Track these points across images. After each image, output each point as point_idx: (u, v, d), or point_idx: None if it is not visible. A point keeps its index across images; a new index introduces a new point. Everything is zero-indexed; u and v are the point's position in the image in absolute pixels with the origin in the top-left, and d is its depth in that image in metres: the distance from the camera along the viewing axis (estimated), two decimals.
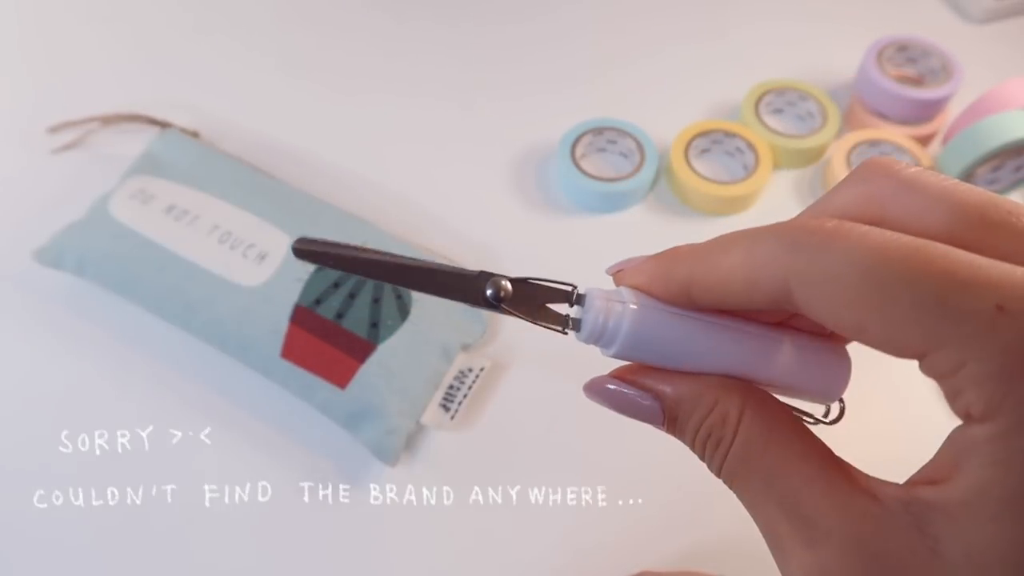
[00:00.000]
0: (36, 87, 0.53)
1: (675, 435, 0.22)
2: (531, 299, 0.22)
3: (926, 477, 0.18)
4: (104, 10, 0.58)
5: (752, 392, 0.21)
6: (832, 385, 0.22)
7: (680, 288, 0.20)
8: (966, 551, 0.16)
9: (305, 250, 0.21)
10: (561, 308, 0.22)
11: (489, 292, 0.21)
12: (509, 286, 0.21)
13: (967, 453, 0.17)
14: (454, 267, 0.21)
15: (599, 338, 0.21)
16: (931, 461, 0.18)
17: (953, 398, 0.17)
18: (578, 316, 0.21)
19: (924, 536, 0.17)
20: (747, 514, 0.20)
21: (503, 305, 0.21)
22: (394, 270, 0.21)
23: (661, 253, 0.21)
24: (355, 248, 0.21)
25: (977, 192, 0.18)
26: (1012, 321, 0.16)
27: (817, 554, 0.18)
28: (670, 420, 0.21)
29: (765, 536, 0.20)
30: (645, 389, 0.21)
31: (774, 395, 0.21)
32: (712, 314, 0.21)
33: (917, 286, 0.16)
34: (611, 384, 0.22)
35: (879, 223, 0.18)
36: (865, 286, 0.17)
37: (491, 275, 0.21)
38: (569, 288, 0.22)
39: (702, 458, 0.21)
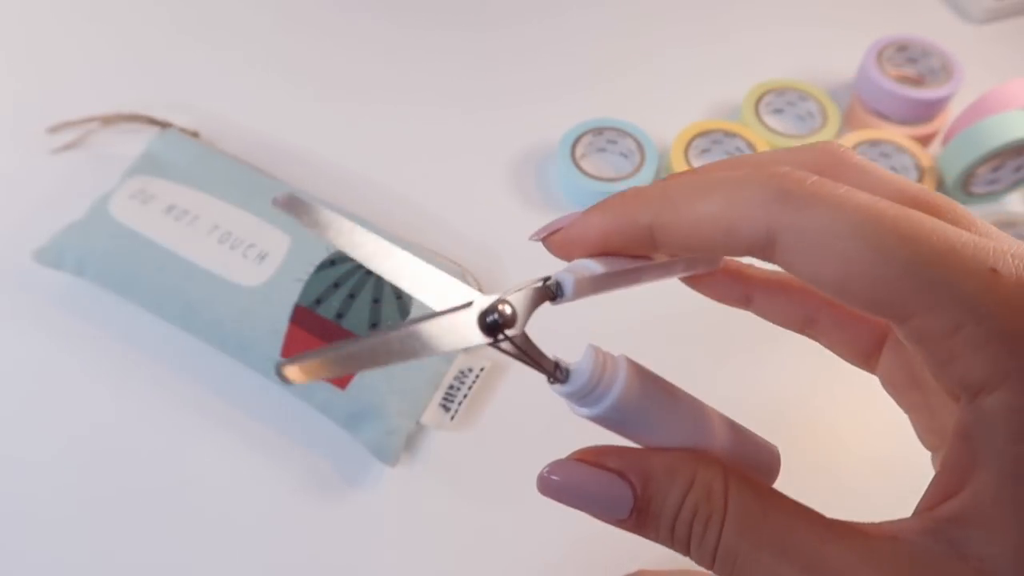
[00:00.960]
0: (36, 87, 0.53)
1: (645, 527, 0.19)
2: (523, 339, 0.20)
3: (942, 491, 0.17)
4: (104, 10, 0.58)
5: (729, 465, 0.19)
6: (774, 472, 0.22)
7: (643, 232, 0.19)
8: (1015, 550, 0.15)
9: (288, 370, 0.18)
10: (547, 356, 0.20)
11: (490, 318, 0.19)
12: (510, 311, 0.19)
13: (982, 437, 0.16)
14: (447, 311, 0.19)
15: (588, 394, 0.19)
16: (940, 473, 0.17)
17: (943, 365, 0.16)
18: (566, 365, 0.20)
19: (966, 560, 0.16)
20: None
21: (504, 333, 0.19)
22: (396, 347, 0.18)
23: (609, 199, 0.20)
24: (344, 345, 0.18)
25: (916, 185, 0.19)
26: (1008, 282, 0.15)
27: None
28: (641, 508, 0.19)
29: None
30: (612, 472, 0.19)
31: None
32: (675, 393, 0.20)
33: (911, 246, 0.16)
34: (575, 468, 0.20)
35: None
36: (855, 241, 0.16)
37: (496, 303, 0.19)
38: (542, 281, 0.20)
39: (683, 546, 0.19)
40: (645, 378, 0.20)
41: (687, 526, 0.18)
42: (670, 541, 0.19)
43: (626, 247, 0.20)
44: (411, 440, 0.40)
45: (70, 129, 0.49)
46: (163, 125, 0.48)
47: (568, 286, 0.20)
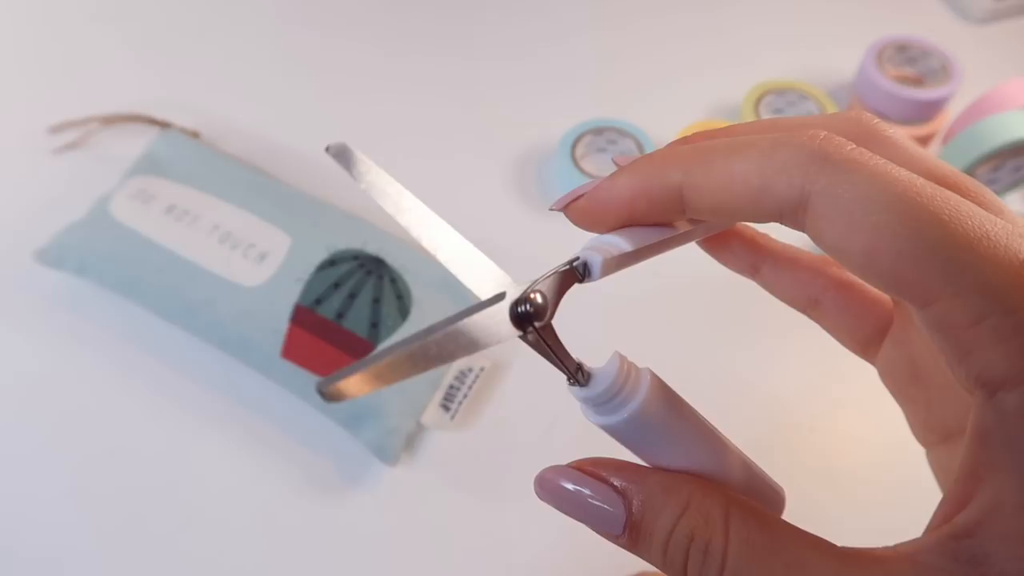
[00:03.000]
0: (37, 87, 0.53)
1: (638, 544, 0.19)
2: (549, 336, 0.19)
3: (953, 507, 0.16)
4: (105, 10, 0.58)
5: (732, 494, 0.18)
6: (780, 508, 0.21)
7: (672, 193, 0.19)
8: None
9: (330, 392, 0.17)
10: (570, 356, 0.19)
11: (521, 308, 0.18)
12: (541, 300, 0.18)
13: (1002, 438, 0.15)
14: (478, 307, 0.18)
15: (607, 400, 0.18)
16: (950, 488, 0.16)
17: (961, 356, 0.15)
18: (589, 369, 0.19)
19: (985, 570, 0.15)
20: None
21: (533, 325, 0.18)
22: (433, 352, 0.17)
23: (639, 161, 0.19)
24: (375, 357, 0.17)
25: (947, 165, 0.18)
26: None
27: None
28: (633, 525, 0.18)
29: None
30: (609, 486, 0.19)
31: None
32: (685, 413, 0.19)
33: (944, 227, 0.15)
34: (567, 480, 0.19)
35: None
36: (889, 215, 0.15)
37: (517, 287, 0.18)
38: (569, 263, 0.19)
39: (680, 572, 0.18)
40: (667, 396, 0.19)
41: (682, 551, 0.18)
42: (662, 563, 0.18)
43: (653, 212, 0.19)
44: (411, 440, 0.40)
45: (71, 129, 0.49)
46: (163, 125, 0.48)
47: (596, 266, 0.19)
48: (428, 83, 0.55)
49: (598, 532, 0.19)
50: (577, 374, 0.19)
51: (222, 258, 0.41)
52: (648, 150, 0.49)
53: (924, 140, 0.52)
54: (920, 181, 0.16)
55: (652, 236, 0.20)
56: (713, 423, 0.20)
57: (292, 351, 0.39)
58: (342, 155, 0.19)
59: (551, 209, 0.20)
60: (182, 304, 0.41)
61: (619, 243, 0.19)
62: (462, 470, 0.40)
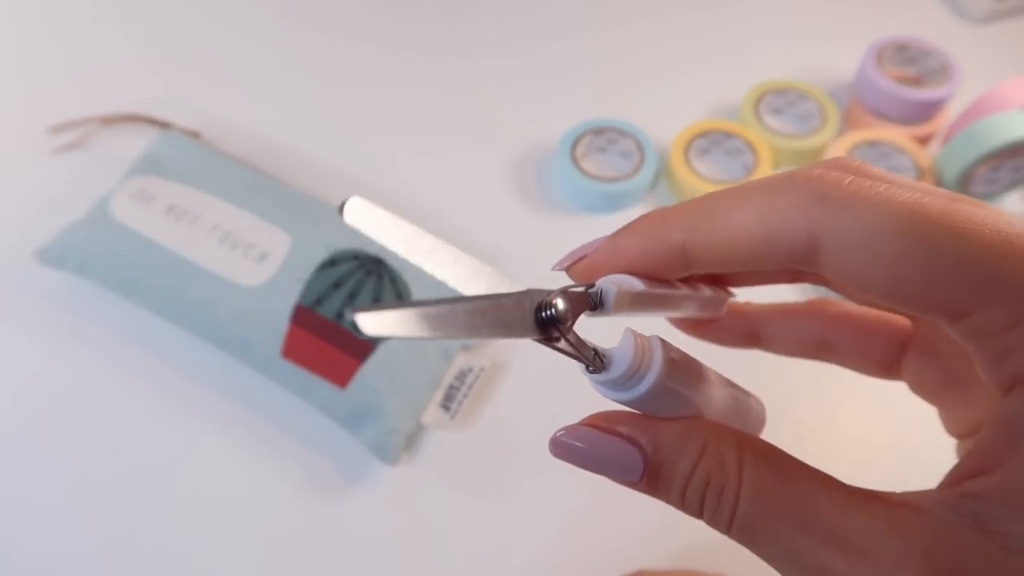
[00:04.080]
0: (37, 87, 0.54)
1: (657, 491, 0.19)
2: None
3: (971, 470, 0.17)
4: (104, 10, 0.58)
5: (742, 432, 0.19)
6: (760, 424, 0.22)
7: (675, 252, 0.18)
8: None
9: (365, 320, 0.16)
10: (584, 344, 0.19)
11: (545, 313, 0.18)
12: (563, 306, 0.18)
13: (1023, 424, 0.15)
14: (504, 295, 0.18)
15: (627, 380, 0.18)
16: (968, 455, 0.17)
17: (998, 361, 0.16)
18: (603, 351, 0.19)
19: (991, 535, 0.16)
20: None
21: (558, 327, 0.18)
22: (460, 320, 0.17)
23: (637, 221, 0.19)
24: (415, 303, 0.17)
25: (943, 190, 0.18)
26: None
27: None
28: (652, 473, 0.19)
29: None
30: (623, 438, 0.19)
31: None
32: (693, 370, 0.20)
33: (963, 241, 0.15)
34: (582, 437, 0.19)
35: None
36: (905, 240, 0.15)
37: (536, 291, 0.18)
38: (586, 288, 0.19)
39: (697, 513, 0.19)
40: (677, 360, 0.19)
41: (699, 494, 0.18)
42: (681, 506, 0.19)
43: (656, 271, 0.19)
44: (411, 440, 0.40)
45: (71, 129, 0.49)
46: (163, 125, 0.48)
47: (610, 297, 0.19)
48: (428, 83, 0.55)
49: (617, 481, 0.19)
50: (595, 361, 0.19)
51: (222, 258, 0.41)
52: (648, 150, 0.49)
53: (924, 140, 0.52)
54: (928, 199, 0.16)
55: (664, 288, 0.20)
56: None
57: (292, 351, 0.39)
58: (354, 213, 0.18)
59: (553, 269, 0.20)
60: (182, 304, 0.41)
61: (634, 283, 0.19)
62: (462, 470, 0.40)
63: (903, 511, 0.17)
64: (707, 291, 0.22)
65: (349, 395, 0.39)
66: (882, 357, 0.24)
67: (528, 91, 0.55)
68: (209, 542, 0.38)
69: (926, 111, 0.52)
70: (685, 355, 0.20)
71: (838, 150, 0.50)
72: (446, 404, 0.40)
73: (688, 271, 0.19)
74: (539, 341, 0.18)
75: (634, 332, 0.19)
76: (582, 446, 0.19)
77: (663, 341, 0.19)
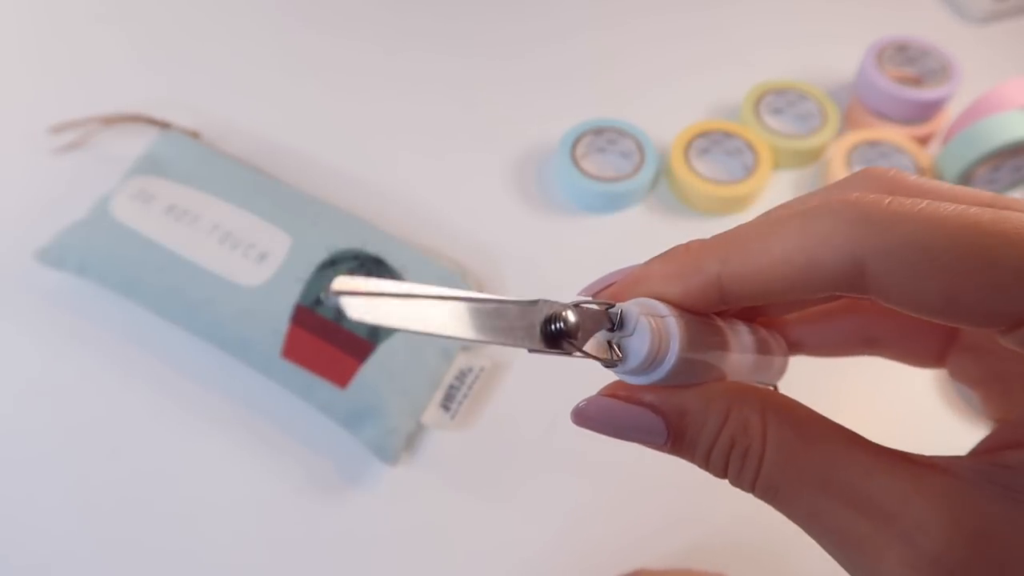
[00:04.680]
0: (37, 87, 0.54)
1: (681, 454, 0.19)
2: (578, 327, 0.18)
3: (1005, 442, 0.17)
4: (105, 10, 0.58)
5: (767, 392, 0.19)
6: (781, 372, 0.22)
7: (709, 285, 0.18)
8: None
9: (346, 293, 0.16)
10: (598, 339, 0.19)
11: (553, 327, 0.18)
12: (572, 317, 0.18)
13: None
14: (511, 300, 0.18)
15: (647, 368, 0.18)
16: (1001, 427, 0.17)
17: None
18: (618, 342, 0.18)
19: (1019, 506, 0.16)
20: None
21: (566, 342, 0.18)
22: (457, 318, 0.17)
23: (669, 253, 0.19)
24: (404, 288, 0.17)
25: (984, 192, 0.18)
26: None
27: (920, 547, 0.16)
28: (676, 438, 0.19)
29: (834, 546, 0.17)
30: (644, 406, 0.19)
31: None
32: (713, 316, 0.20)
33: (1019, 248, 0.15)
34: (607, 405, 0.19)
35: None
36: (958, 253, 0.15)
37: (547, 302, 0.18)
38: (607, 306, 0.19)
39: (721, 474, 0.19)
40: (693, 334, 0.19)
41: (724, 457, 0.18)
42: (706, 467, 0.19)
43: (690, 302, 0.19)
44: (411, 440, 0.40)
45: (71, 129, 0.49)
46: (163, 125, 0.48)
47: (631, 318, 0.18)
48: (428, 82, 0.55)
49: (642, 444, 0.19)
50: (612, 356, 0.18)
51: (222, 258, 0.41)
52: (648, 150, 0.49)
53: (924, 140, 0.52)
54: (974, 210, 0.15)
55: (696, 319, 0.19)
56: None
57: (292, 351, 0.39)
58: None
59: (579, 295, 0.20)
60: (182, 304, 0.41)
61: (658, 306, 0.18)
62: (462, 470, 0.40)
63: (931, 473, 0.16)
64: (763, 335, 0.21)
65: (349, 395, 0.39)
66: (930, 350, 0.23)
67: (528, 91, 0.55)
68: (209, 542, 0.38)
69: (926, 111, 0.52)
70: (704, 324, 0.19)
71: (838, 150, 0.50)
72: (446, 404, 0.40)
73: (723, 305, 0.19)
74: (541, 352, 0.18)
75: (649, 319, 0.18)
76: (605, 416, 0.19)
77: (680, 319, 0.18)
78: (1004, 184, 0.50)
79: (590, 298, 0.19)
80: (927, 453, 0.18)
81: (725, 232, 0.18)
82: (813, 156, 0.52)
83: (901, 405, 0.42)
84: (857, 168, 0.50)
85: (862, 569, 0.17)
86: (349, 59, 0.56)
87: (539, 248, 0.48)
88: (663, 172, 0.51)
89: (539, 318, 0.18)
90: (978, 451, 0.17)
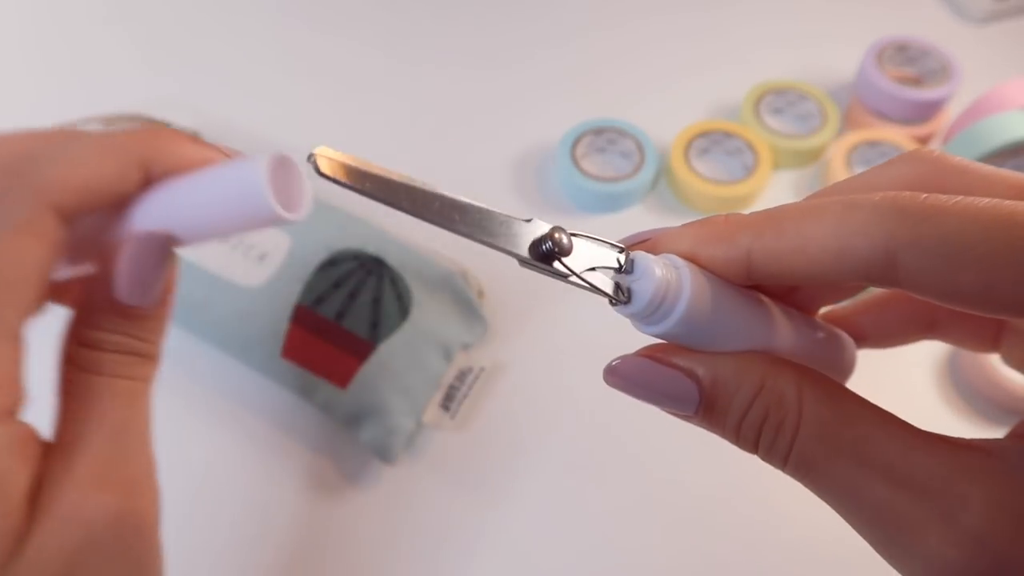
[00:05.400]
0: (38, 87, 0.54)
1: (711, 424, 0.19)
2: (575, 259, 0.19)
3: None
4: (105, 11, 0.58)
5: (803, 367, 0.19)
6: (847, 369, 0.21)
7: (740, 257, 0.18)
8: None
9: (328, 163, 0.17)
10: (605, 278, 0.19)
11: (545, 245, 0.18)
12: (567, 240, 0.18)
13: None
14: (502, 212, 0.19)
15: (652, 313, 0.18)
16: None
17: None
18: (627, 284, 0.19)
19: None
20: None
21: (559, 261, 0.18)
22: (439, 205, 0.18)
23: (707, 220, 0.19)
24: (393, 174, 0.18)
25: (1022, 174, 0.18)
26: None
27: (963, 525, 0.16)
28: (707, 406, 0.19)
29: (871, 523, 0.17)
30: (679, 370, 0.19)
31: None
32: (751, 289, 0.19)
33: None
34: (639, 366, 0.19)
35: None
36: (991, 245, 0.15)
37: (546, 225, 0.19)
38: (618, 249, 0.19)
39: (751, 448, 0.19)
40: (712, 286, 0.19)
41: (755, 429, 0.18)
42: (736, 440, 0.19)
43: (715, 268, 0.19)
44: (411, 440, 0.40)
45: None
46: (163, 125, 0.48)
47: (641, 265, 0.19)
48: (428, 83, 0.55)
49: (669, 412, 0.19)
50: (617, 294, 0.19)
51: (222, 258, 0.41)
52: (648, 150, 0.49)
53: (924, 140, 0.52)
54: (1008, 203, 0.16)
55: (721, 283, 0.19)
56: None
57: (292, 351, 0.39)
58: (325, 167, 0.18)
59: (620, 241, 0.20)
60: (182, 304, 0.41)
61: (680, 264, 0.19)
62: (462, 470, 0.40)
63: (971, 453, 0.16)
64: (805, 317, 0.21)
65: (349, 395, 0.39)
66: (986, 334, 0.23)
67: (528, 91, 0.55)
68: (209, 542, 0.38)
69: (926, 111, 0.52)
70: (736, 290, 0.19)
71: (838, 150, 0.50)
72: (446, 404, 0.40)
73: (749, 280, 0.19)
74: (533, 266, 0.18)
75: (658, 267, 0.18)
76: (638, 375, 0.19)
77: (697, 275, 0.18)
78: None
79: (604, 238, 0.19)
80: None
81: (764, 210, 0.19)
82: (813, 156, 0.52)
83: (901, 404, 0.42)
84: (857, 169, 0.50)
85: (899, 547, 0.17)
86: (349, 60, 0.56)
87: None
88: (663, 172, 0.51)
89: (520, 229, 0.18)
90: (1018, 433, 0.17)
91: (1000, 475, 0.16)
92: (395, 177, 0.18)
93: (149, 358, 0.22)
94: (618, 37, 0.59)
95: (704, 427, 0.19)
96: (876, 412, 0.18)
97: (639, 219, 0.49)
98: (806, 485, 0.18)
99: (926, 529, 0.16)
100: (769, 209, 0.19)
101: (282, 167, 0.20)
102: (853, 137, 0.51)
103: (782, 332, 0.19)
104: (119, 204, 0.21)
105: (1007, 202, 0.16)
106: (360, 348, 0.39)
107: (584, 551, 0.38)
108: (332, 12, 0.59)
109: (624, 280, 0.19)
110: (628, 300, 0.19)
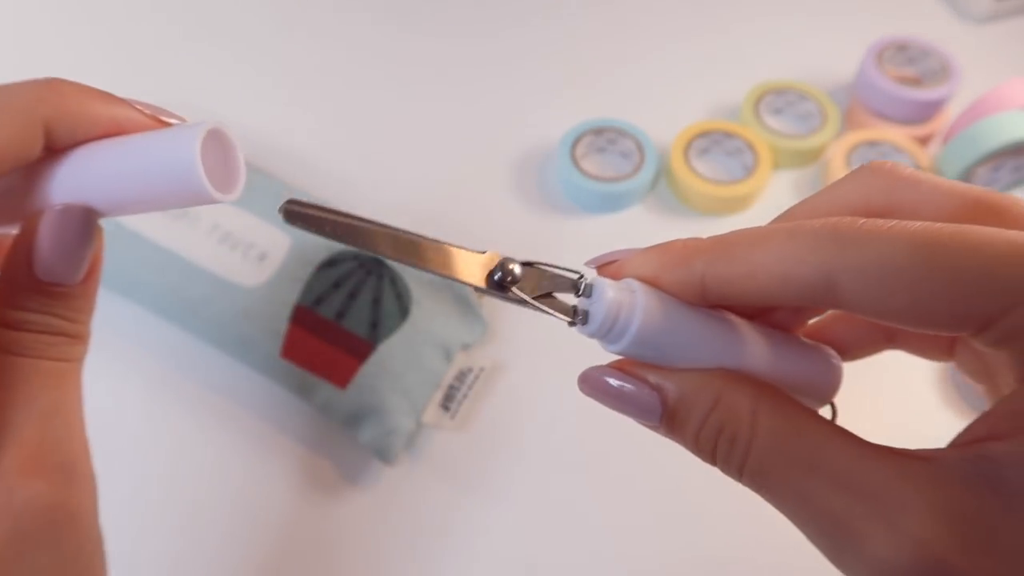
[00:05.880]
0: None
1: (673, 435, 0.21)
2: (536, 286, 0.21)
3: (984, 434, 0.17)
4: (104, 11, 0.58)
5: (761, 383, 0.20)
6: (827, 386, 0.22)
7: (694, 281, 0.20)
8: None
9: (296, 213, 0.19)
10: (568, 298, 0.21)
11: (497, 275, 0.20)
12: (518, 269, 0.20)
13: None
14: (458, 245, 0.20)
15: (607, 332, 0.20)
16: (983, 418, 0.18)
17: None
18: (585, 307, 0.20)
19: (1000, 495, 0.16)
20: (746, 513, 0.20)
21: (511, 290, 0.20)
22: (395, 244, 0.20)
23: (666, 244, 0.21)
24: (353, 217, 0.20)
25: (975, 187, 0.19)
26: None
27: (904, 529, 0.17)
28: (669, 417, 0.20)
29: (820, 529, 0.18)
30: (644, 383, 0.20)
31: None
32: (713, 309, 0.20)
33: (979, 255, 0.16)
34: (608, 377, 0.21)
35: (887, 213, 0.19)
36: (920, 267, 0.16)
37: (499, 256, 0.20)
38: (576, 276, 0.21)
39: (709, 459, 0.20)
40: (667, 306, 0.20)
41: (711, 441, 0.19)
42: (695, 451, 0.20)
43: (672, 291, 0.20)
44: (411, 440, 0.40)
45: None
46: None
47: (598, 289, 0.20)
48: (428, 83, 0.55)
49: (637, 421, 0.21)
50: (575, 316, 0.20)
51: (222, 258, 0.41)
52: (648, 150, 0.49)
53: (924, 140, 0.52)
54: (937, 226, 0.17)
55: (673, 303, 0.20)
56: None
57: (292, 351, 0.39)
58: (298, 214, 0.19)
59: (586, 264, 0.22)
60: (182, 304, 0.41)
61: (637, 288, 0.20)
62: (462, 470, 0.40)
63: (915, 462, 0.17)
64: (783, 335, 0.22)
65: (349, 395, 0.39)
66: (942, 343, 0.24)
67: (528, 91, 0.55)
68: (208, 542, 0.38)
69: (926, 111, 0.51)
70: (681, 304, 0.20)
71: (838, 150, 0.50)
72: (446, 404, 0.40)
73: (706, 303, 0.20)
74: (489, 293, 0.20)
75: (608, 284, 0.20)
76: (609, 385, 0.20)
77: (649, 290, 0.20)
78: (1004, 184, 0.50)
79: (562, 267, 0.21)
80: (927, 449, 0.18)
81: (719, 236, 0.20)
82: (813, 156, 0.52)
83: (901, 404, 0.42)
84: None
85: (847, 552, 0.18)
86: (349, 60, 0.56)
87: (539, 248, 0.47)
88: (663, 172, 0.51)
89: (480, 261, 0.20)
90: (960, 442, 0.18)
91: (941, 482, 0.17)
92: (355, 221, 0.19)
93: (77, 338, 0.21)
94: (618, 37, 0.59)
95: (668, 437, 0.21)
96: (827, 426, 0.19)
97: (639, 219, 0.49)
98: (761, 495, 0.19)
99: (871, 534, 0.17)
100: (723, 235, 0.20)
101: (216, 140, 0.20)
102: (853, 137, 0.51)
103: (753, 350, 0.20)
104: (26, 170, 0.20)
105: (936, 225, 0.17)
106: (360, 348, 0.39)
107: (584, 550, 0.38)
108: (331, 13, 0.59)
109: (582, 303, 0.20)
110: (585, 321, 0.20)
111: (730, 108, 0.55)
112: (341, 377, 0.39)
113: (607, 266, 0.22)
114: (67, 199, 0.20)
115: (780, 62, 0.57)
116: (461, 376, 0.41)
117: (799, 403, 0.19)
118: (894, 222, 0.17)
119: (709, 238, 0.20)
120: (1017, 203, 0.19)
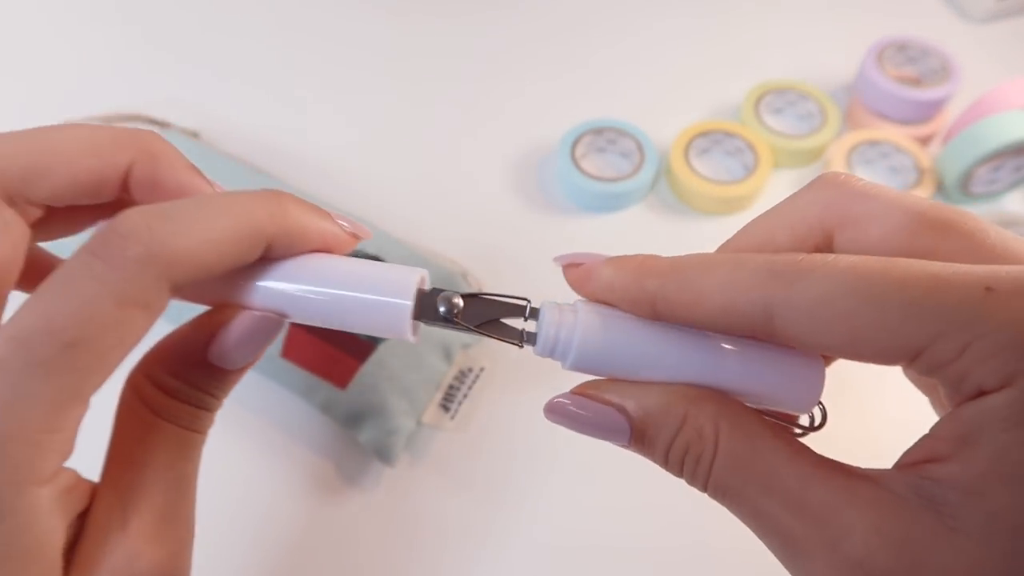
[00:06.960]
0: (37, 87, 0.54)
1: (643, 453, 0.21)
2: (486, 314, 0.22)
3: (926, 456, 0.18)
4: (104, 10, 0.58)
5: (724, 401, 0.20)
6: (806, 393, 0.21)
7: (647, 301, 0.20)
8: (988, 522, 0.16)
9: None
10: (518, 322, 0.22)
11: (442, 309, 0.21)
12: (460, 302, 0.21)
13: (980, 424, 0.17)
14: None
15: (553, 351, 0.21)
16: (925, 440, 0.18)
17: (959, 384, 0.17)
18: (534, 330, 0.21)
19: (941, 516, 0.17)
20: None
21: (457, 320, 0.21)
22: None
23: (624, 259, 0.21)
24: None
25: (926, 200, 0.20)
26: (1005, 296, 0.16)
27: (844, 551, 0.17)
28: (637, 437, 0.21)
29: (774, 545, 0.19)
30: (608, 404, 0.21)
31: (744, 403, 0.21)
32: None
33: (905, 291, 0.17)
34: (571, 403, 0.21)
35: (839, 226, 0.20)
36: (851, 300, 0.17)
37: (441, 291, 0.21)
38: (523, 303, 0.22)
39: (678, 473, 0.21)
40: (612, 322, 0.21)
41: (679, 459, 0.20)
42: (664, 467, 0.21)
43: (624, 308, 0.21)
44: (411, 440, 0.40)
45: None
46: (163, 125, 0.48)
47: (544, 315, 0.21)
48: (428, 83, 0.55)
49: (607, 441, 0.21)
50: (523, 339, 0.22)
51: None
52: (648, 150, 0.49)
53: (924, 140, 0.52)
54: (869, 260, 0.18)
55: (624, 319, 0.21)
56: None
57: (292, 351, 0.39)
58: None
59: (554, 260, 0.22)
60: (181, 304, 0.41)
61: (580, 306, 0.21)
62: (462, 470, 0.40)
63: (862, 484, 0.18)
64: (755, 345, 0.21)
65: (349, 395, 0.39)
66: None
67: (528, 91, 0.55)
68: (208, 542, 0.38)
69: (926, 111, 0.52)
70: (635, 319, 0.21)
71: (838, 150, 0.50)
72: (446, 404, 0.40)
73: (657, 319, 0.21)
74: (433, 324, 0.21)
75: (550, 306, 0.21)
76: (573, 411, 0.21)
77: (593, 308, 0.21)
78: (1004, 184, 0.50)
79: (507, 295, 0.22)
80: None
81: (676, 257, 0.20)
82: (813, 156, 0.52)
83: (903, 405, 0.42)
84: (857, 168, 0.50)
85: (798, 569, 0.18)
86: (349, 59, 0.56)
87: (539, 248, 0.47)
88: (663, 172, 0.51)
89: (433, 300, 0.21)
90: (904, 463, 0.18)
91: (883, 504, 0.17)
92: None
93: (211, 412, 0.22)
94: (618, 37, 0.59)
95: (638, 453, 0.21)
96: (785, 445, 0.19)
97: (639, 219, 0.49)
98: (725, 507, 0.20)
99: (815, 555, 0.18)
100: (679, 257, 0.20)
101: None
102: (853, 137, 0.51)
103: (720, 362, 0.21)
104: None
105: (867, 258, 0.18)
106: (360, 348, 0.39)
107: (584, 550, 0.38)
108: (332, 13, 0.59)
109: (531, 326, 0.21)
110: (532, 343, 0.21)
111: (730, 108, 0.55)
112: (341, 377, 0.39)
113: (573, 269, 0.22)
114: (266, 303, 0.21)
115: (780, 62, 0.57)
116: (461, 376, 0.41)
117: (760, 420, 0.20)
118: (831, 257, 0.18)
119: (666, 259, 0.20)
120: (963, 217, 0.19)
